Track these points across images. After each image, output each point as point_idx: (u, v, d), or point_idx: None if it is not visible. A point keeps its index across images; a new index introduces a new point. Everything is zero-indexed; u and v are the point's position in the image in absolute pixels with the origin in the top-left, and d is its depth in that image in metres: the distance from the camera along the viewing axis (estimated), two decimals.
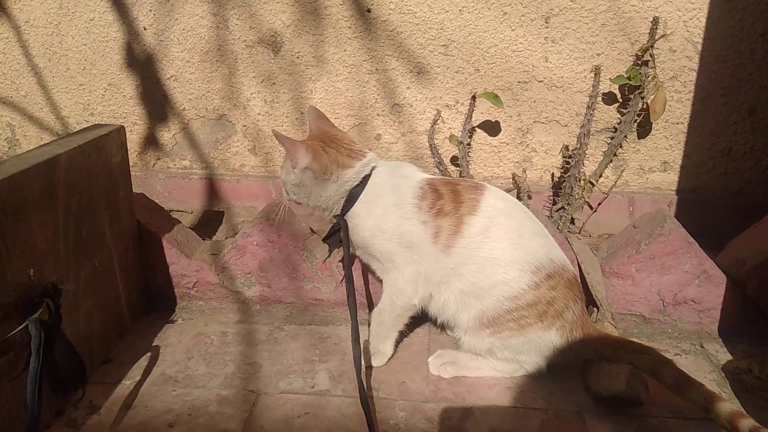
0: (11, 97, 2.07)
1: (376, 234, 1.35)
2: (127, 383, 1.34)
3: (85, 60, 1.99)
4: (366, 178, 1.37)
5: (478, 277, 1.31)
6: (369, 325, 1.46)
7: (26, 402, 1.05)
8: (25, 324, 1.07)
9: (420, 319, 1.55)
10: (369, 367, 1.41)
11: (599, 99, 1.81)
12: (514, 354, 1.34)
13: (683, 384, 1.22)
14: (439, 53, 1.86)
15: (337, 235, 1.41)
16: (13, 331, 1.06)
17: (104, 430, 1.20)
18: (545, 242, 1.35)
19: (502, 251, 1.30)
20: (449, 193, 1.34)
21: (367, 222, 1.35)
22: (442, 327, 1.53)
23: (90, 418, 1.24)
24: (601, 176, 1.88)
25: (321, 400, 1.29)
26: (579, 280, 1.43)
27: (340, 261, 1.55)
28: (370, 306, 1.59)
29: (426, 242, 1.32)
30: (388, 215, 1.34)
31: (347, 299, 1.33)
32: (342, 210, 1.38)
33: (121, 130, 1.47)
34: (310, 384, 1.35)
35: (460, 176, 1.89)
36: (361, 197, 1.36)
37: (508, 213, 1.34)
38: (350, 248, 1.38)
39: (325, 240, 1.48)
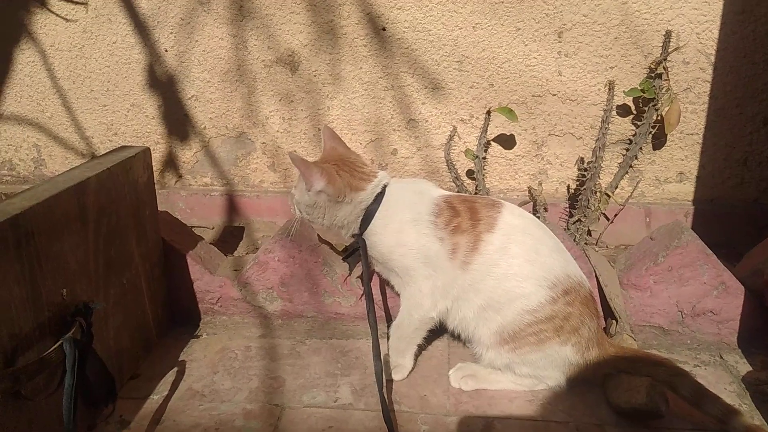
0: (37, 118, 2.13)
1: (394, 249, 1.37)
2: (156, 398, 1.38)
3: (109, 81, 2.05)
4: (380, 196, 1.40)
5: (497, 291, 1.33)
6: (388, 339, 1.48)
7: (61, 418, 1.09)
8: (59, 342, 1.11)
9: (439, 332, 1.57)
10: (390, 381, 1.43)
11: (614, 112, 1.83)
12: (533, 370, 1.36)
13: (700, 396, 1.23)
14: (454, 69, 1.89)
15: (357, 253, 1.44)
16: (49, 350, 1.10)
17: None
18: (562, 258, 1.37)
19: (520, 267, 1.32)
20: (466, 211, 1.36)
21: (384, 238, 1.38)
22: (461, 340, 1.55)
23: None
24: (617, 188, 1.89)
25: (344, 414, 1.32)
26: (595, 297, 1.45)
27: (358, 276, 1.58)
28: (389, 319, 1.62)
29: (443, 258, 1.34)
30: (404, 230, 1.36)
31: (367, 315, 1.36)
32: (360, 228, 1.41)
33: (147, 151, 1.52)
34: (333, 398, 1.37)
35: (476, 190, 1.91)
36: (377, 214, 1.39)
37: (525, 230, 1.36)
38: (370, 265, 1.41)
39: (345, 259, 1.51)
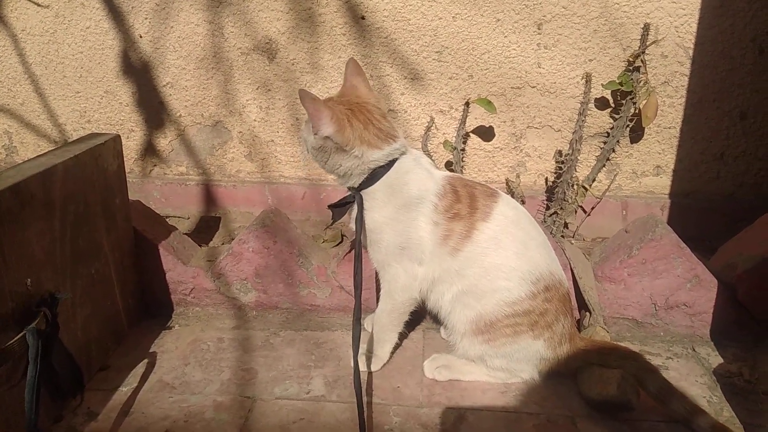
0: (8, 104, 2.08)
1: (389, 222, 1.33)
2: (125, 390, 1.35)
3: (82, 68, 2.01)
4: (392, 162, 1.32)
5: (481, 280, 1.32)
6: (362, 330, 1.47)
7: (24, 410, 1.06)
8: (22, 333, 1.09)
9: (414, 323, 1.56)
10: (365, 372, 1.42)
11: (591, 105, 1.83)
12: (506, 362, 1.36)
13: (666, 393, 1.24)
14: (433, 59, 1.87)
15: (346, 207, 1.38)
16: (11, 341, 1.07)
17: None
18: (548, 255, 1.37)
19: (508, 259, 1.31)
20: (466, 197, 1.34)
21: (384, 209, 1.32)
22: (438, 324, 1.55)
23: (88, 425, 1.25)
24: (594, 180, 1.89)
25: (316, 406, 1.31)
26: (571, 295, 1.45)
27: (332, 271, 1.56)
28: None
29: (433, 243, 1.32)
30: (407, 207, 1.32)
31: (354, 277, 1.33)
32: (359, 185, 1.34)
33: (117, 138, 1.49)
34: (306, 390, 1.36)
35: None
36: (384, 179, 1.32)
37: (518, 223, 1.36)
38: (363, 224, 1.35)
39: (331, 206, 1.42)
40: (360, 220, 1.33)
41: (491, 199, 1.36)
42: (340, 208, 1.40)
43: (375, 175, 1.32)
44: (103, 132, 1.51)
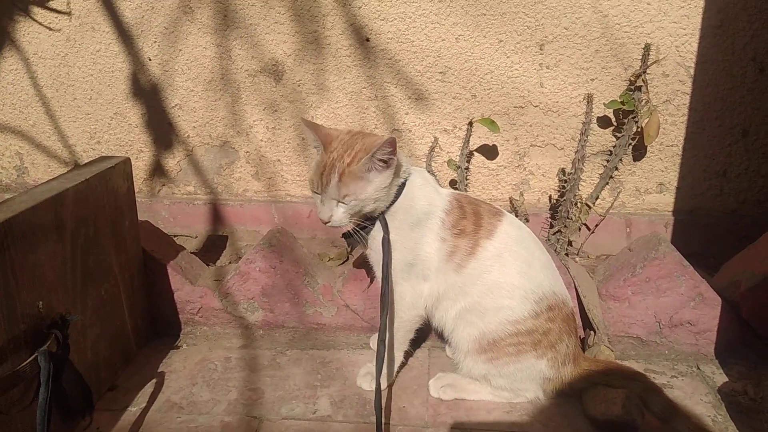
0: (20, 126, 2.12)
1: (401, 240, 1.33)
2: (133, 410, 1.37)
3: (92, 90, 2.05)
4: (404, 182, 1.35)
5: (485, 298, 1.33)
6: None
7: (36, 431, 1.08)
8: (34, 356, 1.11)
9: (420, 341, 1.57)
10: (369, 391, 1.43)
11: (593, 124, 1.85)
12: (510, 382, 1.37)
13: (671, 414, 1.24)
14: (437, 80, 1.90)
15: (361, 233, 1.35)
16: (23, 363, 1.09)
17: None
18: (551, 275, 1.38)
19: (511, 277, 1.33)
20: (472, 215, 1.37)
21: (399, 228, 1.33)
22: (443, 342, 1.56)
23: None
24: (597, 198, 1.91)
25: (323, 426, 1.32)
26: (576, 315, 1.46)
27: (338, 290, 1.58)
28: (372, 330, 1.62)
29: (439, 259, 1.34)
30: (418, 224, 1.34)
31: (381, 299, 1.32)
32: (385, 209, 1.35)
33: (126, 161, 1.52)
34: (312, 410, 1.37)
35: None
36: (401, 199, 1.33)
37: (522, 242, 1.37)
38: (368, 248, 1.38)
39: (346, 236, 1.40)
40: (387, 242, 1.31)
41: (495, 217, 1.38)
42: (352, 237, 1.38)
43: (396, 196, 1.34)
44: (113, 155, 1.54)
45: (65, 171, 1.47)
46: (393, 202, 1.33)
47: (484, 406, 1.38)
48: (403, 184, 1.34)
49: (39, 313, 1.17)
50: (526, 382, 1.36)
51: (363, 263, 1.54)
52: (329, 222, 1.28)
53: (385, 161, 1.25)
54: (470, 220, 1.36)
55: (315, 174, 1.29)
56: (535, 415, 1.35)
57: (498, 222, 1.37)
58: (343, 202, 1.27)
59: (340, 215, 1.28)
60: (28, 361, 1.10)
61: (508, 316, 1.32)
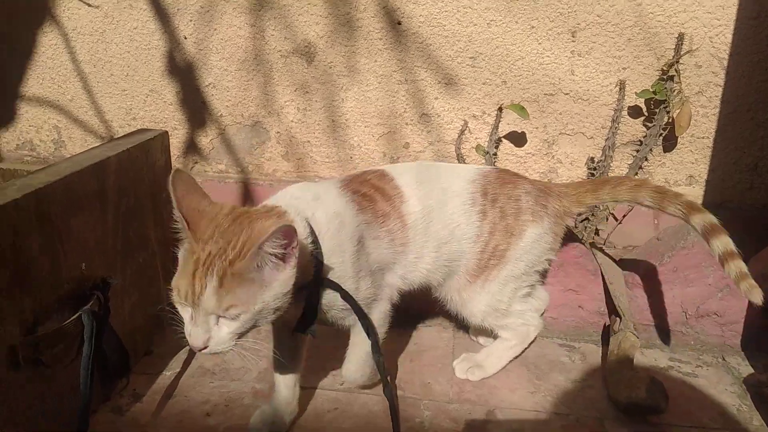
0: (58, 100, 2.18)
1: (356, 273, 1.16)
2: (168, 374, 1.42)
3: (128, 67, 2.09)
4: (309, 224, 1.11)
5: (441, 248, 1.31)
6: None
7: (77, 388, 1.13)
8: (78, 314, 1.15)
9: (444, 323, 1.60)
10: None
11: (624, 113, 1.85)
12: (515, 285, 1.38)
13: (662, 197, 1.35)
14: (467, 65, 1.91)
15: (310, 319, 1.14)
16: (68, 320, 1.14)
17: (146, 417, 1.28)
18: (454, 172, 1.39)
19: (447, 214, 1.31)
20: (376, 194, 1.26)
21: (345, 268, 1.14)
22: (466, 330, 1.58)
23: (134, 406, 1.31)
24: None
25: (350, 397, 1.35)
26: (509, 175, 1.45)
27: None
28: None
29: (387, 254, 1.25)
30: (358, 248, 1.18)
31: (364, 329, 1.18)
32: (314, 276, 1.09)
33: (165, 135, 1.55)
34: (340, 381, 1.40)
35: None
36: (323, 245, 1.09)
37: (422, 181, 1.32)
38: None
39: (305, 330, 1.17)
40: (348, 295, 1.12)
41: (386, 179, 1.30)
42: (307, 320, 1.14)
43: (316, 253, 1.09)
44: (151, 128, 1.58)
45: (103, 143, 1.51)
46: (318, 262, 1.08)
47: (507, 386, 1.41)
48: (312, 235, 1.08)
49: (82, 274, 1.21)
50: (531, 273, 1.39)
51: None
52: (206, 349, 0.96)
53: (279, 256, 0.94)
54: (380, 199, 1.25)
55: (182, 275, 0.97)
56: (559, 397, 1.37)
57: (393, 181, 1.29)
58: (225, 317, 0.95)
59: (223, 337, 0.96)
60: (72, 319, 1.14)
61: (467, 239, 1.33)
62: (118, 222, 1.34)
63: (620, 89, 1.80)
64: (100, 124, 2.17)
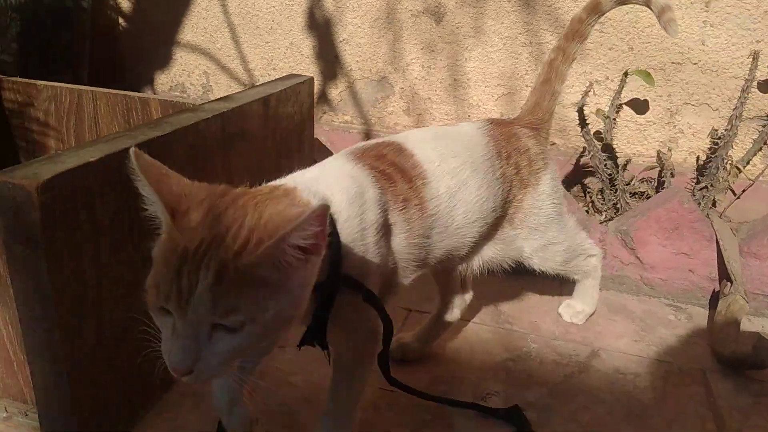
0: (209, 48, 2.43)
1: (371, 271, 0.95)
2: None
3: (273, 20, 2.30)
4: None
5: (468, 229, 1.14)
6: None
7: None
8: None
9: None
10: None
11: (755, 84, 1.82)
12: (558, 220, 1.33)
13: None
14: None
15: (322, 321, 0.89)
16: None
17: None
18: (469, 132, 1.25)
19: (471, 186, 1.13)
20: (396, 173, 1.04)
21: (365, 263, 0.94)
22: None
23: None
24: (748, 163, 1.89)
25: (460, 323, 1.49)
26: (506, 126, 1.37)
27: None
28: None
29: (403, 249, 1.04)
30: (369, 231, 0.95)
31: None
32: (330, 273, 0.86)
33: (311, 80, 1.74)
34: None
35: (602, 150, 1.96)
36: (341, 231, 0.89)
37: (444, 157, 1.12)
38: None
39: (305, 344, 0.93)
40: (372, 295, 0.93)
41: (405, 154, 1.08)
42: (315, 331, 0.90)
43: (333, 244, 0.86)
44: (300, 74, 1.77)
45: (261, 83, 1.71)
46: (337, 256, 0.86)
47: (612, 333, 1.49)
48: (334, 227, 0.86)
49: None
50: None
51: None
52: (191, 375, 0.70)
53: (306, 248, 0.72)
54: (399, 180, 1.03)
55: (161, 272, 0.71)
56: (663, 347, 1.44)
57: (412, 158, 1.08)
58: (224, 325, 0.70)
59: (216, 358, 0.70)
60: None
61: (490, 208, 1.17)
62: (272, 152, 1.54)
63: (753, 59, 1.78)
64: (243, 72, 2.41)
